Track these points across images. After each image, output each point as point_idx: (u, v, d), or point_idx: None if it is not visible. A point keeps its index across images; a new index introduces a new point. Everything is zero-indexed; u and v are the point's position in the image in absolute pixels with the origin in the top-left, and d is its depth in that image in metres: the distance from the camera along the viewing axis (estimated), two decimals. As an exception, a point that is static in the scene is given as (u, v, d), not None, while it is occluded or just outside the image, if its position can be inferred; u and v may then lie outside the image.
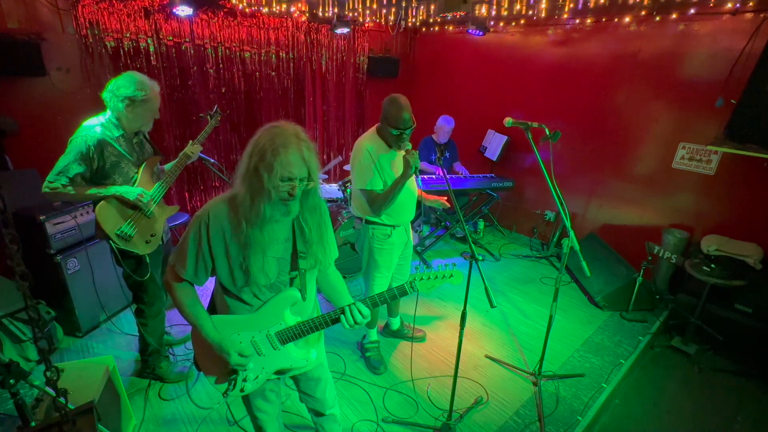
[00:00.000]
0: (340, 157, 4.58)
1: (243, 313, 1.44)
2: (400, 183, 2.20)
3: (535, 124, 2.34)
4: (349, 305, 1.44)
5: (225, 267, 1.36)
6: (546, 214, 4.76)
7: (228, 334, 1.42)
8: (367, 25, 5.08)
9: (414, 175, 2.15)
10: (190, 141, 2.34)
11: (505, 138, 4.70)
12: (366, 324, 2.76)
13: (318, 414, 1.84)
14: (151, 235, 2.24)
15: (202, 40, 3.93)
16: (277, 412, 1.73)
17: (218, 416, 2.35)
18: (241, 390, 1.50)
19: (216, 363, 1.47)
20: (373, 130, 2.35)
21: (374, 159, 2.25)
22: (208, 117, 2.49)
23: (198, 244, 1.33)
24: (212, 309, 1.53)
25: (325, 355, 1.80)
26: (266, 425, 1.71)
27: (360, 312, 1.43)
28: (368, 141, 2.29)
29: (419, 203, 2.60)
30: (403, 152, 2.15)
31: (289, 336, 1.46)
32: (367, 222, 2.46)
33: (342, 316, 1.43)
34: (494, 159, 4.78)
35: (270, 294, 1.43)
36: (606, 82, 3.98)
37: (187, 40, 3.84)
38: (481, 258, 2.62)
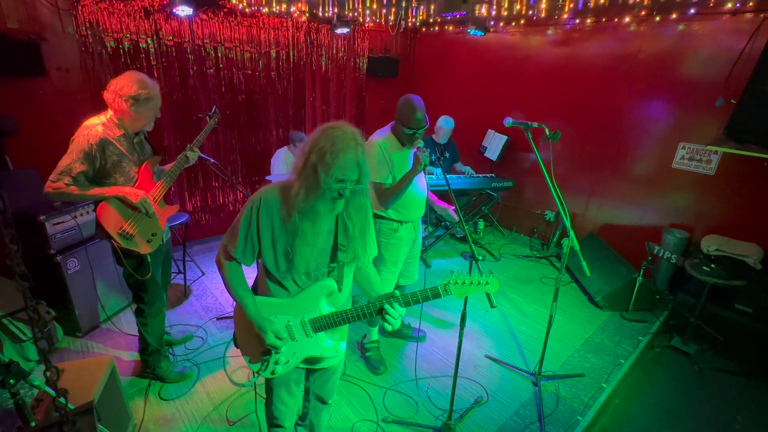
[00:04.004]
0: None
1: (281, 298, 1.50)
2: (408, 178, 2.26)
3: (535, 124, 2.35)
4: (386, 301, 1.45)
5: (270, 252, 1.43)
6: (546, 214, 4.76)
7: (266, 315, 1.48)
8: (367, 25, 5.08)
9: (423, 173, 2.23)
10: (188, 145, 2.34)
11: (505, 138, 4.71)
12: (368, 322, 2.78)
13: (322, 401, 1.88)
14: (152, 235, 2.24)
15: (202, 40, 3.93)
16: (296, 408, 1.77)
17: (218, 416, 2.35)
18: (272, 373, 1.56)
19: (253, 343, 1.53)
20: (387, 128, 2.42)
21: (385, 155, 2.32)
22: (207, 117, 2.49)
23: (248, 227, 1.40)
24: (254, 290, 1.59)
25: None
26: (284, 418, 1.74)
27: (396, 310, 1.45)
28: (382, 138, 2.37)
29: (429, 204, 2.63)
30: (414, 149, 2.24)
31: (322, 324, 1.51)
32: (376, 216, 2.50)
33: (383, 313, 1.44)
34: (494, 159, 4.78)
35: (308, 282, 1.48)
36: (606, 82, 3.98)
37: (187, 40, 3.84)
38: (481, 258, 2.63)
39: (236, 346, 1.61)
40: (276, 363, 1.54)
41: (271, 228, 1.40)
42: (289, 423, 1.76)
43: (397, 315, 1.45)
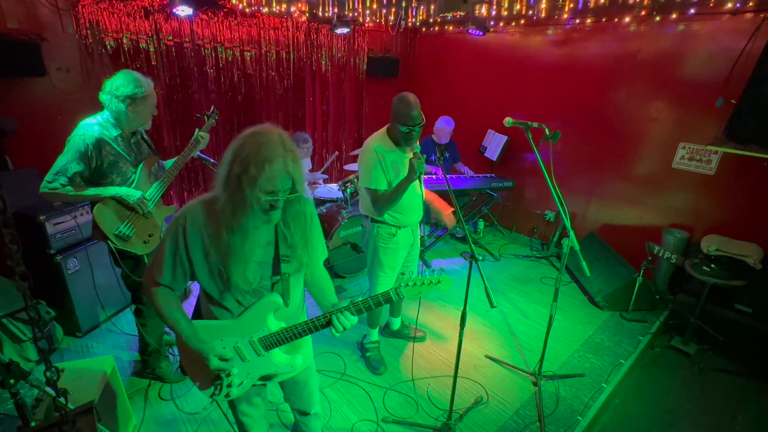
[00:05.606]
0: (336, 152, 4.64)
1: (225, 319, 1.41)
2: (403, 186, 2.19)
3: (535, 124, 2.34)
4: (335, 313, 1.37)
5: (205, 272, 1.33)
6: (546, 214, 4.76)
7: (210, 339, 1.39)
8: (367, 25, 5.08)
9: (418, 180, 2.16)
10: (197, 129, 2.32)
11: (505, 138, 4.70)
12: (368, 324, 2.78)
13: (303, 413, 1.84)
14: (149, 235, 2.24)
15: (202, 40, 3.92)
16: (263, 414, 1.72)
17: (218, 416, 2.35)
18: (227, 396, 1.48)
19: (200, 368, 1.43)
20: (383, 130, 2.36)
21: (380, 159, 2.25)
22: (205, 117, 2.48)
23: (175, 248, 1.29)
24: (197, 315, 1.49)
25: (313, 357, 1.77)
26: (252, 428, 1.69)
27: (347, 319, 1.38)
28: (376, 141, 2.30)
29: (426, 208, 2.60)
30: (410, 155, 2.16)
31: (273, 342, 1.42)
32: (373, 221, 2.46)
33: (331, 326, 1.37)
34: (494, 159, 4.78)
35: (252, 299, 1.39)
36: (606, 82, 3.98)
37: (187, 40, 3.84)
38: (481, 258, 2.62)
39: (184, 374, 1.50)
40: (229, 386, 1.44)
41: (202, 246, 1.28)
42: (257, 429, 1.70)
43: (349, 324, 1.37)
